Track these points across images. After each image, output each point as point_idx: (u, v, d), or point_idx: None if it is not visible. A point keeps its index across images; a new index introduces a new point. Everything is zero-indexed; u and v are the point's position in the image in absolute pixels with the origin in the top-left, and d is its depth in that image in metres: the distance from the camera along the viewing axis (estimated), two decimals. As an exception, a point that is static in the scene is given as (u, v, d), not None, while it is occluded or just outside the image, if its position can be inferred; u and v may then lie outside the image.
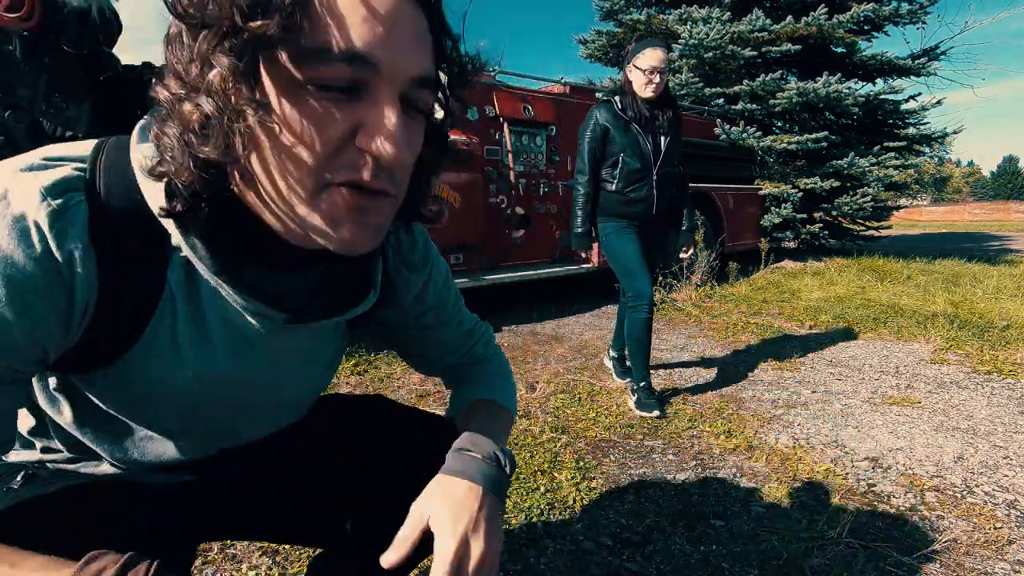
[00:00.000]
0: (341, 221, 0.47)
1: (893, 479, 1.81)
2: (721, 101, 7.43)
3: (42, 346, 0.48)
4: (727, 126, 6.79)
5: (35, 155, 0.48)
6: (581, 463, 1.90)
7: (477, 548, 0.57)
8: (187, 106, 0.43)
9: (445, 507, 0.58)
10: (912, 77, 8.18)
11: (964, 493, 1.73)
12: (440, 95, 0.51)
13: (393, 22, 0.44)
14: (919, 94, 8.02)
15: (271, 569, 1.32)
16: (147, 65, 0.66)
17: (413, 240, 0.72)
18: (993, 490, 1.74)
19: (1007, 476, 1.83)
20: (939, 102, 8.03)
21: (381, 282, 0.65)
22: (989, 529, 1.53)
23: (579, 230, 2.53)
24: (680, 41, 7.39)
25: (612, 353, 2.88)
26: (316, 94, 0.43)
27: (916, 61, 8.01)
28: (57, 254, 0.45)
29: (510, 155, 4.33)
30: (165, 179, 0.46)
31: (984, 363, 3.04)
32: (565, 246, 4.78)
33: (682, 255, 2.82)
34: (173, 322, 0.54)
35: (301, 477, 0.78)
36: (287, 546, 1.37)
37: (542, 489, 1.71)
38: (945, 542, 1.47)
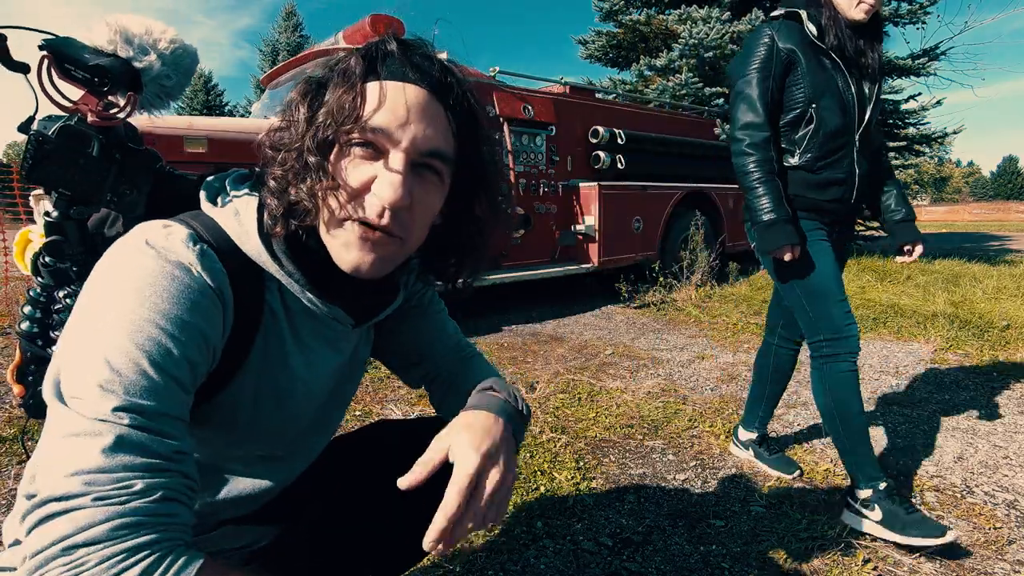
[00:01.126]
0: (351, 248, 0.61)
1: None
2: (721, 101, 7.43)
3: (212, 352, 0.58)
4: (727, 126, 6.79)
5: (153, 224, 0.60)
6: (581, 463, 1.90)
7: (496, 471, 0.62)
8: (284, 163, 0.61)
9: (467, 433, 0.64)
10: (912, 77, 8.18)
11: (964, 493, 1.73)
12: (445, 162, 0.64)
13: (407, 108, 0.60)
14: (919, 94, 8.03)
15: None
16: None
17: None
18: (993, 490, 1.74)
19: (1007, 476, 1.83)
20: (939, 102, 8.03)
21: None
22: (989, 529, 1.53)
23: (769, 216, 1.51)
24: (680, 41, 7.39)
25: (746, 433, 1.91)
26: (350, 151, 0.60)
27: (916, 61, 8.01)
28: (212, 284, 0.57)
29: (510, 155, 4.32)
30: (269, 211, 0.62)
31: (984, 363, 3.04)
32: (565, 246, 4.78)
33: (905, 258, 1.69)
34: (280, 336, 0.67)
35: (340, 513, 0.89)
36: None
37: (542, 489, 1.71)
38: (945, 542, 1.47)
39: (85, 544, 0.43)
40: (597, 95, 5.57)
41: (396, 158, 0.60)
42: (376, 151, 0.60)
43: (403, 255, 0.66)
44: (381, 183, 0.59)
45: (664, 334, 3.84)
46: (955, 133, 8.26)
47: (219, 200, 0.66)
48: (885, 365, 3.08)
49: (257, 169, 0.67)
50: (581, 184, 4.73)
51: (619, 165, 4.93)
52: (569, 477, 1.80)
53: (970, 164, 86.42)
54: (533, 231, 4.53)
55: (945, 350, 3.32)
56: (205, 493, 0.72)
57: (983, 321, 3.88)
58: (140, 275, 0.54)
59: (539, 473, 1.82)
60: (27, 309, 0.69)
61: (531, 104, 4.49)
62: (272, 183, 0.62)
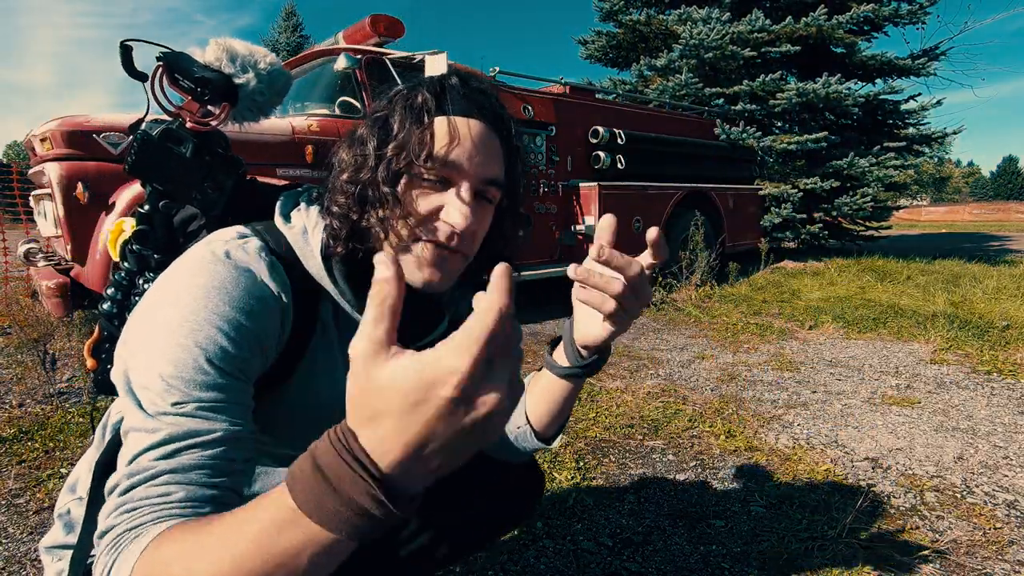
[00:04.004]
0: (424, 266, 0.67)
1: (893, 479, 1.81)
2: (721, 101, 7.42)
3: (266, 355, 0.63)
4: (727, 126, 6.78)
5: (230, 232, 0.67)
6: (581, 463, 1.90)
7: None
8: (349, 187, 0.66)
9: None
10: (912, 77, 8.17)
11: (964, 493, 1.73)
12: (500, 188, 0.70)
13: (473, 143, 0.66)
14: (919, 94, 8.03)
15: None
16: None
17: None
18: (993, 490, 1.74)
19: (1007, 476, 1.83)
20: (939, 102, 8.03)
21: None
22: (989, 529, 1.53)
23: None
24: (680, 41, 7.39)
25: None
26: (420, 182, 0.66)
27: (916, 61, 8.00)
28: (275, 292, 0.63)
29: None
30: (329, 231, 0.67)
31: (984, 363, 3.04)
32: (565, 246, 4.78)
33: None
34: (329, 351, 0.72)
35: None
36: None
37: (542, 489, 1.71)
38: (945, 542, 1.47)
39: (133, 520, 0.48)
40: (597, 95, 5.57)
41: (464, 188, 0.66)
42: (444, 181, 0.66)
43: (463, 267, 0.72)
44: (452, 211, 0.65)
45: (664, 334, 3.84)
46: (955, 133, 8.27)
47: (292, 216, 0.71)
48: (885, 365, 3.08)
49: (315, 193, 0.74)
50: (581, 184, 4.73)
51: (619, 165, 4.93)
52: (569, 477, 1.80)
53: (970, 164, 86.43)
54: (533, 231, 4.53)
55: (945, 350, 3.32)
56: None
57: (983, 321, 3.88)
58: (211, 280, 0.59)
59: (539, 473, 1.82)
60: (110, 291, 0.77)
61: (531, 104, 4.49)
62: (336, 208, 0.67)
